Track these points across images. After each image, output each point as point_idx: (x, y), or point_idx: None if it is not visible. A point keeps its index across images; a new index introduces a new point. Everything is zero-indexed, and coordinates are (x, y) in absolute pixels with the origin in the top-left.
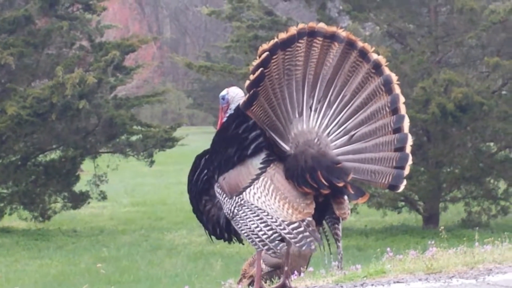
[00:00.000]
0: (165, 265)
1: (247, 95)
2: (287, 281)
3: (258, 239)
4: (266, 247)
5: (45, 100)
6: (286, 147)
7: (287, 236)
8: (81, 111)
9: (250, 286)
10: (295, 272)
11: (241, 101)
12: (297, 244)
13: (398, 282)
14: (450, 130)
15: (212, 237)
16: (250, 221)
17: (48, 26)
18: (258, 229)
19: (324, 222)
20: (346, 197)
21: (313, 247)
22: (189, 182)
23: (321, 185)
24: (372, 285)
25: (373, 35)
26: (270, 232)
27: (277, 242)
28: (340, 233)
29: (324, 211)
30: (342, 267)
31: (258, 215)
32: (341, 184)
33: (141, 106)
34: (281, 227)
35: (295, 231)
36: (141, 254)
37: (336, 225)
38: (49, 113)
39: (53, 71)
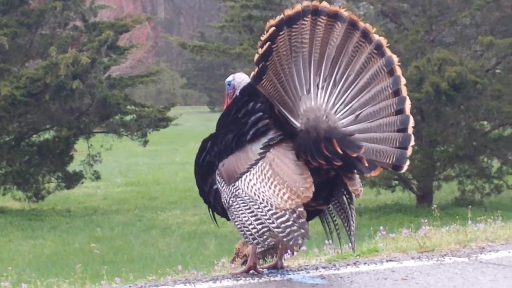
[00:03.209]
0: (158, 245)
1: (256, 69)
2: (279, 262)
3: (248, 233)
4: (255, 241)
5: (39, 80)
6: (297, 123)
7: (275, 230)
8: (74, 91)
9: (243, 265)
10: (288, 251)
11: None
12: (284, 239)
13: (391, 260)
14: (443, 109)
15: (216, 217)
16: (242, 213)
17: (41, 6)
18: (249, 222)
19: (332, 206)
20: (357, 172)
21: (300, 241)
22: (196, 164)
23: (335, 155)
24: (365, 263)
25: (367, 14)
26: (260, 226)
27: (265, 237)
28: (354, 212)
29: (333, 189)
30: (355, 248)
31: (249, 208)
32: (354, 155)
33: (135, 86)
34: (270, 221)
35: (283, 225)
36: (135, 234)
37: (351, 205)
38: (43, 93)
39: (47, 51)
